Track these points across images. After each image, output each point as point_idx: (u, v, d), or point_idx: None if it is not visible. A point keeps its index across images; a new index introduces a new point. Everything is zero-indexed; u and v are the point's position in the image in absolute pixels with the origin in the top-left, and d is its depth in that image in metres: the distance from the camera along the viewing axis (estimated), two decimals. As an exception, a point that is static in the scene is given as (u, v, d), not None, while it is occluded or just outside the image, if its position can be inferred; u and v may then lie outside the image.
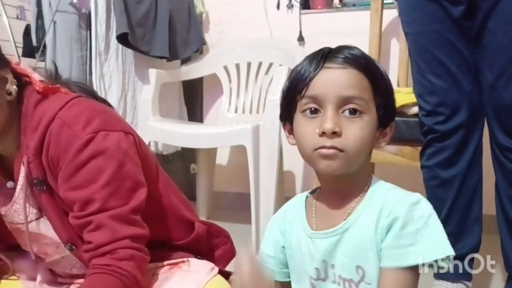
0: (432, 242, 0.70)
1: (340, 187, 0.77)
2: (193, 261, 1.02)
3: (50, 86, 0.95)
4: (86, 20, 2.23)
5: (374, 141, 0.76)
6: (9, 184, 0.97)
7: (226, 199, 2.66)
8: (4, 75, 0.90)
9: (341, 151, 0.71)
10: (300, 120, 0.75)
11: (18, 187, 0.93)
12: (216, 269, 1.02)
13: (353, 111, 0.72)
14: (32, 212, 0.96)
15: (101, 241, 0.85)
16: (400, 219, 0.70)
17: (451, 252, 0.70)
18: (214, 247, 1.14)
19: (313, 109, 0.73)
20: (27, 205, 0.94)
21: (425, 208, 0.72)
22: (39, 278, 1.06)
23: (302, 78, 0.75)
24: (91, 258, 0.87)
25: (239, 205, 2.46)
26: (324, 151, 0.71)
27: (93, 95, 1.06)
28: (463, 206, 1.41)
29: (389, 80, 0.77)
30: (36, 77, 0.96)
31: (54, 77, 1.01)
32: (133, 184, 0.90)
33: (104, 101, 1.07)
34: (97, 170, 0.87)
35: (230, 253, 1.17)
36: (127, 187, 0.89)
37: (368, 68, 0.73)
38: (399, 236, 0.70)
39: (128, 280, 0.85)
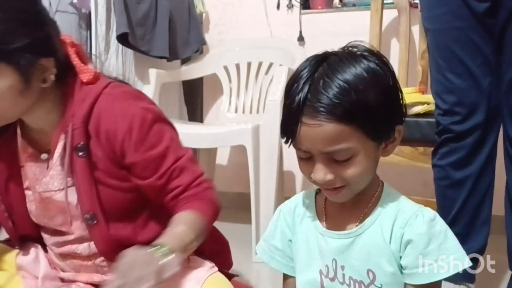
0: (454, 255, 0.73)
1: None
2: (193, 258, 1.03)
3: (94, 73, 1.02)
4: (86, 20, 2.23)
5: (379, 155, 0.76)
6: (43, 156, 1.01)
7: (226, 199, 2.64)
8: (44, 64, 0.92)
9: (342, 188, 0.74)
10: (298, 159, 0.76)
11: (56, 154, 0.97)
12: (216, 267, 1.03)
13: (342, 159, 0.71)
14: (67, 180, 0.99)
15: (188, 180, 1.00)
16: (424, 236, 0.73)
17: (470, 263, 0.74)
18: (214, 253, 1.13)
19: (305, 156, 0.74)
20: (63, 173, 0.98)
21: (442, 222, 0.75)
22: (41, 275, 1.06)
23: (287, 128, 0.73)
24: (180, 197, 1.00)
25: (239, 205, 2.46)
26: (325, 192, 0.76)
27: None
28: (473, 208, 1.39)
29: (382, 91, 0.71)
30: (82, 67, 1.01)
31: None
32: (180, 138, 1.07)
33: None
34: (161, 131, 1.01)
35: (228, 263, 1.19)
36: (180, 140, 1.06)
37: (348, 113, 0.68)
38: (424, 254, 0.73)
39: (211, 200, 1.03)
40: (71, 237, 1.04)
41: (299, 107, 0.70)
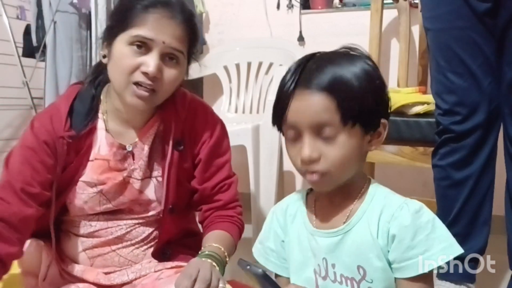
0: (443, 244, 0.73)
1: (336, 189, 0.80)
2: (188, 259, 1.03)
3: None
4: (86, 20, 2.23)
5: (364, 147, 0.78)
6: (129, 147, 1.08)
7: (226, 199, 2.65)
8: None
9: (324, 173, 0.75)
10: (287, 143, 0.80)
11: (146, 146, 1.08)
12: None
13: (327, 135, 0.74)
14: (150, 171, 1.08)
15: (229, 199, 1.13)
16: (410, 229, 0.73)
17: (461, 250, 0.73)
18: None
19: (293, 136, 0.77)
20: (147, 164, 1.07)
21: (428, 212, 0.75)
22: (41, 274, 1.05)
23: (280, 103, 0.78)
24: (217, 213, 1.12)
25: (239, 205, 2.46)
26: (309, 177, 0.78)
27: None
28: (474, 208, 1.39)
29: (369, 81, 0.76)
30: None
31: None
32: None
33: None
34: (227, 146, 1.16)
35: None
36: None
37: (336, 86, 0.74)
38: (411, 246, 0.73)
39: (242, 228, 1.14)
40: (127, 222, 1.08)
41: (289, 88, 0.76)
